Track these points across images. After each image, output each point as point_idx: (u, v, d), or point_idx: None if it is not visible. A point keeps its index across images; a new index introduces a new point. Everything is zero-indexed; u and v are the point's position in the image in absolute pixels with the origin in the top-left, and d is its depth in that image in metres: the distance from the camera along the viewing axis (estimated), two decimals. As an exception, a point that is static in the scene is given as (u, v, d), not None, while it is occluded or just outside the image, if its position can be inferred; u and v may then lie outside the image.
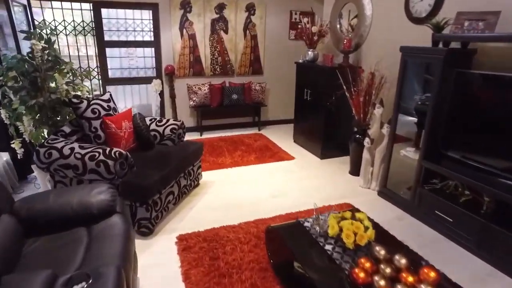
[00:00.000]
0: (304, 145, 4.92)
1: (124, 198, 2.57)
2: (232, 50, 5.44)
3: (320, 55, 4.68)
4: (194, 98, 5.27)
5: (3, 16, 3.80)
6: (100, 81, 5.07)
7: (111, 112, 3.08)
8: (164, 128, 3.34)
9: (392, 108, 3.45)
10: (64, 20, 4.69)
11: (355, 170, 3.97)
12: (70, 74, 3.02)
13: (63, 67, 2.81)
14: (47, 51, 2.75)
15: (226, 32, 5.33)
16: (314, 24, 4.55)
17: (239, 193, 3.45)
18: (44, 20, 3.13)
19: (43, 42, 2.80)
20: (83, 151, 2.53)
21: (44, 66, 2.74)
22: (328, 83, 4.14)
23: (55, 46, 2.93)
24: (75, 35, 4.83)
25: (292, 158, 4.50)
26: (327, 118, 4.31)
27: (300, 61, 4.80)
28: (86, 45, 4.97)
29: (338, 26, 4.63)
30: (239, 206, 3.19)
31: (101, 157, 2.46)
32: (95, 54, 4.95)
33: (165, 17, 4.98)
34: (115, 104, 3.22)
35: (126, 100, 5.36)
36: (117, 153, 2.50)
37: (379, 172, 3.53)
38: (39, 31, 2.73)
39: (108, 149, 2.53)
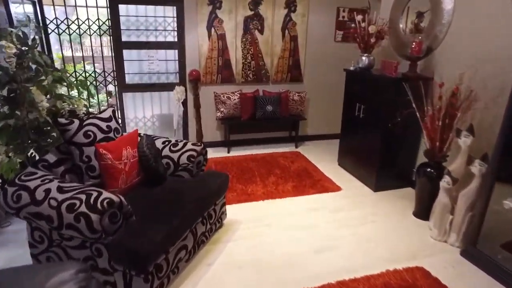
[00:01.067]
0: (352, 171, 4.02)
1: (115, 262, 1.83)
2: (268, 53, 4.63)
3: (376, 61, 3.77)
4: (222, 109, 4.52)
5: (3, 13, 3.22)
6: (116, 87, 4.43)
7: (111, 134, 2.37)
8: (180, 155, 2.59)
9: (488, 138, 2.51)
10: (78, 18, 4.08)
11: (422, 212, 3.04)
12: (64, 85, 2.33)
13: (43, 77, 2.12)
14: (29, 56, 2.07)
15: (261, 32, 4.53)
16: (372, 22, 3.65)
17: (273, 243, 2.64)
18: (28, 16, 2.46)
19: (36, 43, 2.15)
20: (60, 196, 1.82)
21: (25, 75, 2.06)
22: (390, 98, 3.24)
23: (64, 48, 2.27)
24: (90, 35, 4.21)
25: (338, 188, 3.63)
26: (386, 141, 3.40)
27: (351, 68, 3.92)
28: (101, 46, 4.35)
29: (401, 25, 3.70)
30: (273, 265, 2.38)
31: (82, 209, 1.73)
32: (112, 56, 4.32)
33: (191, 14, 4.27)
34: (118, 124, 2.50)
35: (145, 109, 4.70)
36: (105, 202, 1.76)
37: (463, 223, 2.59)
38: (15, 30, 2.05)
39: (94, 194, 1.80)
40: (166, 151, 2.63)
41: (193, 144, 2.66)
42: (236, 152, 4.66)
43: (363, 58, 3.75)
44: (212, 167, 4.06)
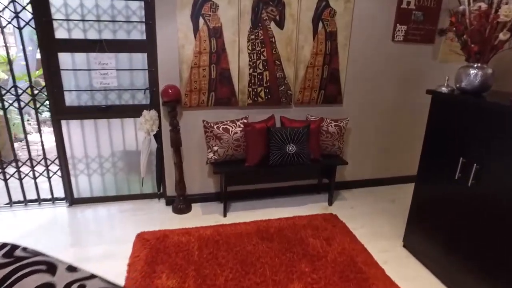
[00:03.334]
0: (434, 267, 2.27)
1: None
2: (290, 59, 2.92)
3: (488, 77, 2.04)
4: (215, 148, 2.83)
5: None
6: (50, 113, 2.80)
7: None
8: None
9: None
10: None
11: None
12: None
13: None
14: None
15: (280, 25, 2.82)
16: (495, 5, 1.90)
17: None
18: None
19: None
20: None
21: None
22: None
23: None
24: (1, 28, 2.60)
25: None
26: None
27: (443, 89, 2.16)
28: (23, 46, 2.73)
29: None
30: None
31: None
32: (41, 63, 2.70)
33: (165, -5, 2.60)
34: None
35: (100, 144, 3.05)
36: None
37: None
38: None
39: None
40: None
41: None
42: (237, 215, 2.96)
43: (471, 71, 2.01)
44: (194, 252, 2.38)
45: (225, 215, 2.94)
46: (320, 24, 2.91)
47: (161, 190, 3.17)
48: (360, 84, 3.21)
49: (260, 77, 2.90)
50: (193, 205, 3.10)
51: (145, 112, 2.83)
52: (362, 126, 3.36)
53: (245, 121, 2.89)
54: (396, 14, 3.09)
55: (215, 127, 2.79)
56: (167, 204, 3.10)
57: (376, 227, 2.86)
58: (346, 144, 3.36)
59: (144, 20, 2.75)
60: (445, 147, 2.14)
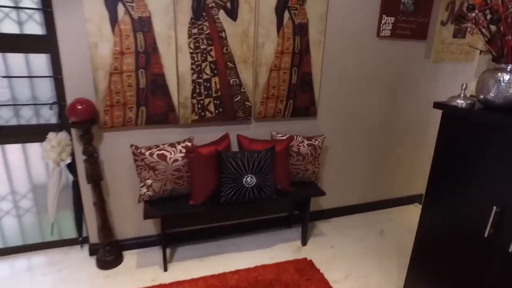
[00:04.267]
0: None
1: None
2: (248, 60, 2.20)
3: None
4: (149, 181, 2.09)
5: None
6: None
7: None
8: None
9: None
10: None
11: None
12: None
13: None
14: None
15: (232, 15, 2.10)
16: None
17: None
18: None
19: None
20: None
21: None
22: None
23: None
24: None
25: None
26: None
27: (460, 103, 1.50)
28: None
29: None
30: None
31: None
32: None
33: (64, -29, 1.83)
34: None
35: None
36: None
37: None
38: None
39: None
40: None
41: None
42: (183, 267, 2.24)
43: (505, 77, 1.37)
44: None
45: (165, 269, 2.20)
46: (286, 14, 2.21)
47: (83, 235, 2.40)
48: (338, 91, 2.54)
49: (208, 84, 2.17)
50: (126, 253, 2.36)
51: (51, 135, 2.06)
52: (342, 143, 2.70)
53: (189, 144, 2.16)
54: (381, 2, 2.44)
55: (147, 153, 2.05)
56: (91, 253, 2.33)
57: (364, 277, 2.21)
58: (322, 166, 2.69)
59: (41, 7, 1.96)
60: (464, 186, 1.49)
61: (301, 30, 2.27)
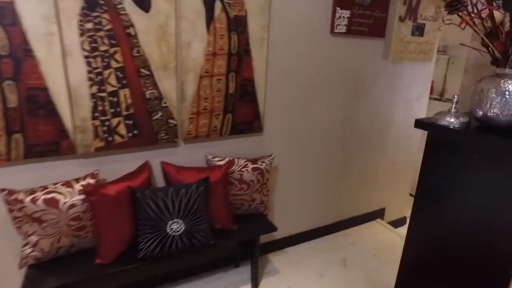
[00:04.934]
0: None
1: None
2: (169, 64, 1.66)
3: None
4: (34, 238, 1.49)
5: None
6: None
7: None
8: None
9: None
10: None
11: None
12: None
13: None
14: None
15: (143, 4, 1.54)
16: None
17: None
18: None
19: None
20: None
21: None
22: None
23: None
24: None
25: None
26: None
27: (451, 121, 1.10)
28: None
29: None
30: None
31: None
32: None
33: None
34: None
35: None
36: None
37: None
38: None
39: None
40: None
41: None
42: None
43: (509, 87, 0.97)
44: None
45: None
46: (218, 5, 1.71)
47: None
48: (288, 100, 2.10)
49: (115, 99, 1.60)
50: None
51: None
52: (294, 161, 2.27)
53: (92, 181, 1.58)
54: (334, -8, 2.02)
55: (27, 200, 1.44)
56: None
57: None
58: (272, 191, 2.24)
59: None
60: (454, 217, 1.11)
61: (238, 25, 1.78)
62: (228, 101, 1.86)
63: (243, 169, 1.88)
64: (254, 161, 1.92)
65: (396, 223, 3.08)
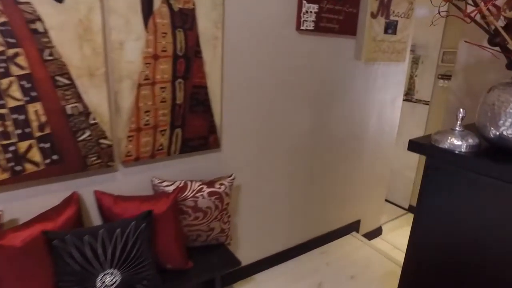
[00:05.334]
0: None
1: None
2: (96, 71, 1.32)
3: None
4: None
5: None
6: None
7: None
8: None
9: None
10: None
11: None
12: None
13: None
14: None
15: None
16: None
17: None
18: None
19: None
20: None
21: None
22: None
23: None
24: None
25: None
26: None
27: (458, 142, 0.84)
28: None
29: None
30: None
31: None
32: None
33: None
34: None
35: None
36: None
37: None
38: None
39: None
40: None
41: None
42: None
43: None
44: None
45: None
46: (157, -4, 1.37)
47: None
48: (249, 108, 1.79)
49: (21, 117, 1.22)
50: None
51: None
52: (258, 178, 1.97)
53: (-9, 226, 1.19)
54: (299, -17, 1.74)
55: None
56: None
57: None
58: (236, 215, 1.93)
59: None
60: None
61: (184, 20, 1.45)
62: (176, 114, 1.53)
63: (198, 195, 1.56)
64: (211, 183, 1.60)
65: (372, 234, 2.88)
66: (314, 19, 1.81)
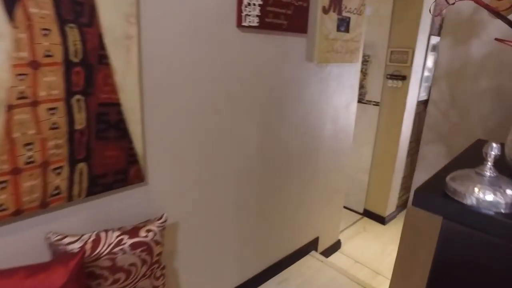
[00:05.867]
0: None
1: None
2: None
3: None
4: None
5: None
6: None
7: None
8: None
9: None
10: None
11: None
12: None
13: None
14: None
15: None
16: None
17: None
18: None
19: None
20: None
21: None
22: None
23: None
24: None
25: None
26: None
27: (496, 202, 0.53)
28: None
29: None
30: None
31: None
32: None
33: None
34: None
35: None
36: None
37: None
38: None
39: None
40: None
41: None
42: None
43: None
44: None
45: None
46: (31, -25, 0.93)
47: None
48: (181, 128, 1.40)
49: None
50: None
51: None
52: (200, 211, 1.59)
53: None
54: (237, -32, 1.39)
55: None
56: None
57: None
58: (174, 254, 1.53)
59: None
60: None
61: (78, 12, 1.02)
62: (76, 143, 1.10)
63: (117, 249, 1.15)
64: (134, 231, 1.20)
65: (331, 250, 2.66)
66: (259, 13, 1.47)
